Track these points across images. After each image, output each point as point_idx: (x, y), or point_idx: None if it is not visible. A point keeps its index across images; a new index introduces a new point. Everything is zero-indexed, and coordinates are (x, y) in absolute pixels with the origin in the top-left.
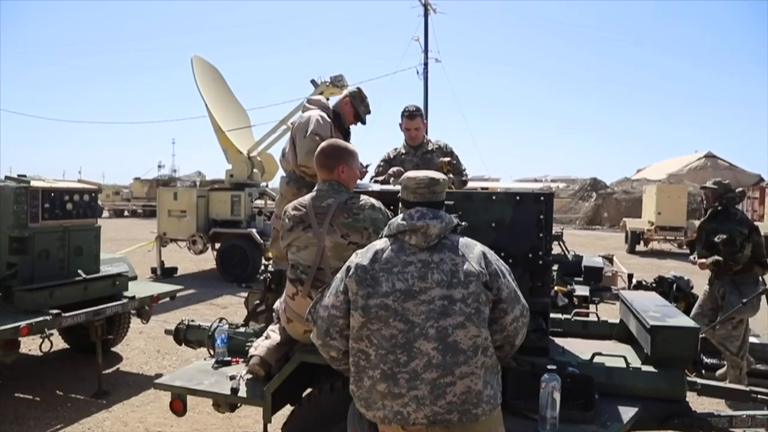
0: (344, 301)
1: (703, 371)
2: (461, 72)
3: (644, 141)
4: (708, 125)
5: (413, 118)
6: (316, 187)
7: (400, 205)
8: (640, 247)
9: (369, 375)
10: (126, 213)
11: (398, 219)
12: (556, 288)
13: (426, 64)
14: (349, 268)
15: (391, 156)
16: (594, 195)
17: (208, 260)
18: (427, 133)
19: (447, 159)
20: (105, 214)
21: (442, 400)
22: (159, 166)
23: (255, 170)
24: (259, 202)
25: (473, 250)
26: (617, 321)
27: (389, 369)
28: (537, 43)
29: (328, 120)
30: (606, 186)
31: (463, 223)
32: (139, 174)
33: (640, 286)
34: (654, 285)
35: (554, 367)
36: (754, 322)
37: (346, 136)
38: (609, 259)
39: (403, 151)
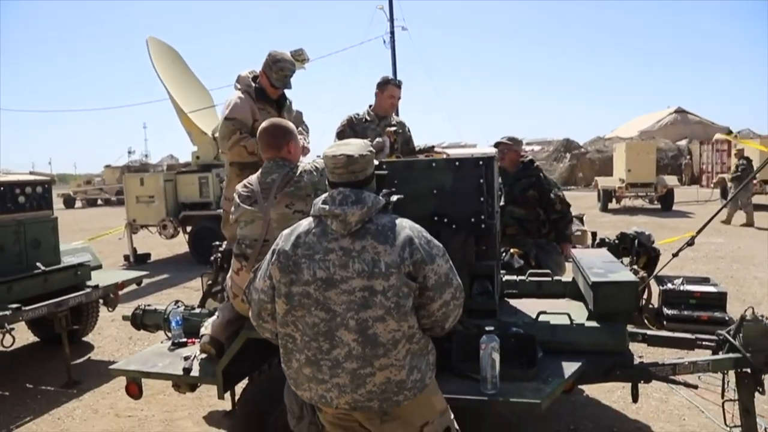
0: (270, 287)
1: (665, 322)
2: (429, 39)
3: (618, 99)
4: (680, 80)
5: (400, 87)
6: (263, 166)
7: (326, 183)
8: (613, 205)
9: (296, 358)
10: (99, 202)
11: (321, 200)
12: (512, 250)
13: (392, 33)
14: (273, 252)
15: (354, 121)
16: (568, 156)
17: (181, 244)
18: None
19: (393, 128)
20: (77, 204)
21: (362, 389)
22: (129, 152)
23: (221, 150)
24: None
25: (399, 237)
26: (570, 280)
27: (313, 355)
28: (504, 3)
29: (248, 100)
30: (579, 146)
31: (394, 198)
32: (110, 161)
33: (603, 243)
34: (616, 242)
35: (491, 328)
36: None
37: (280, 108)
38: (580, 219)
39: (368, 118)
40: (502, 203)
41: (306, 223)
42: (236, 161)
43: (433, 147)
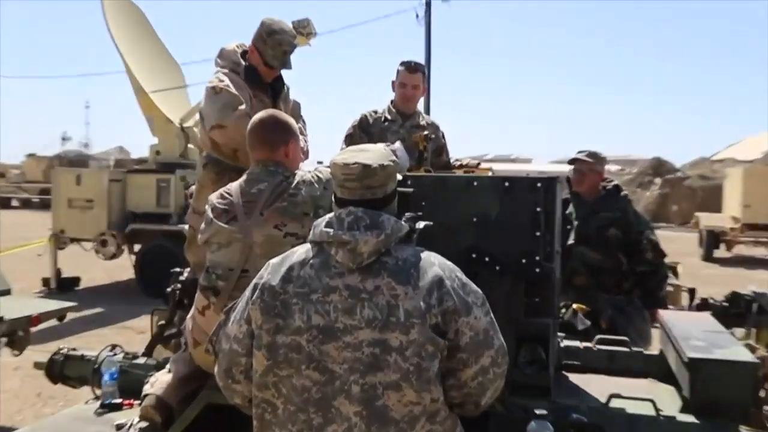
0: (247, 334)
1: None
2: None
3: (733, 110)
4: None
5: (414, 72)
6: (248, 170)
7: (333, 200)
8: (721, 253)
9: None
10: (15, 203)
11: (324, 221)
12: (576, 306)
13: (428, 4)
14: (255, 287)
15: (370, 121)
16: (658, 181)
17: (124, 268)
18: (428, 98)
19: (425, 133)
20: None
21: None
22: (63, 138)
23: (190, 146)
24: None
25: (425, 275)
26: (656, 353)
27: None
28: None
29: (237, 82)
30: (675, 169)
31: (421, 225)
32: (36, 149)
33: (705, 306)
34: (726, 304)
35: (543, 412)
36: None
37: (275, 95)
38: (672, 270)
39: (388, 116)
40: (570, 241)
41: (302, 252)
42: (214, 162)
43: (478, 164)
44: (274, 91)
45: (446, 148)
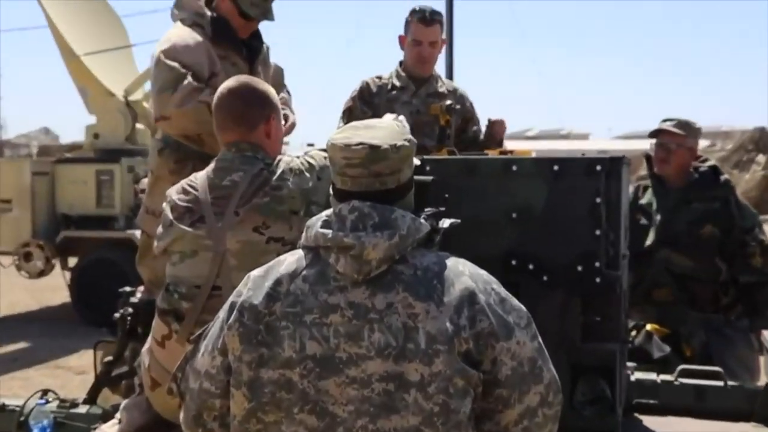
0: (222, 369)
1: None
2: None
3: None
4: None
5: (431, 24)
6: (217, 157)
7: (332, 193)
8: None
9: None
10: None
11: (320, 220)
12: (650, 327)
13: None
14: (232, 307)
15: (373, 90)
16: (762, 159)
17: (56, 289)
18: (450, 56)
19: (447, 102)
20: None
21: None
22: None
23: (139, 125)
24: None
25: (452, 288)
26: (762, 388)
27: None
28: None
29: (200, 39)
30: None
31: (446, 223)
32: None
33: None
34: None
35: None
36: None
37: (252, 56)
38: None
39: (396, 83)
40: (648, 242)
41: (292, 261)
42: (173, 147)
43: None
44: (251, 50)
45: (476, 121)
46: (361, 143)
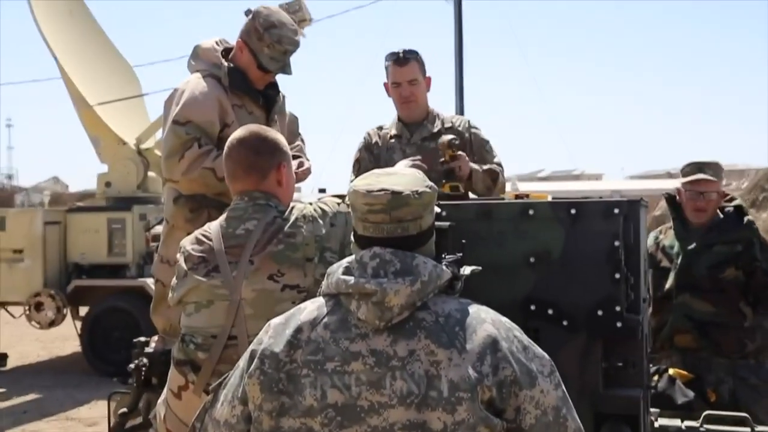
0: (243, 418)
1: None
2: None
3: None
4: None
5: (404, 63)
6: (230, 206)
7: (353, 240)
8: None
9: None
10: None
11: (342, 267)
12: (672, 371)
13: None
14: (253, 356)
15: (375, 140)
16: None
17: (68, 339)
18: (461, 95)
19: (449, 137)
20: None
21: None
22: None
23: (151, 173)
24: (161, 229)
25: (475, 336)
26: None
27: None
28: None
29: (215, 89)
30: None
31: (467, 271)
32: None
33: None
34: None
35: None
36: None
37: (268, 105)
38: None
39: (393, 131)
40: (668, 285)
41: (312, 308)
42: (188, 196)
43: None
44: (267, 100)
45: (488, 148)
46: (383, 189)
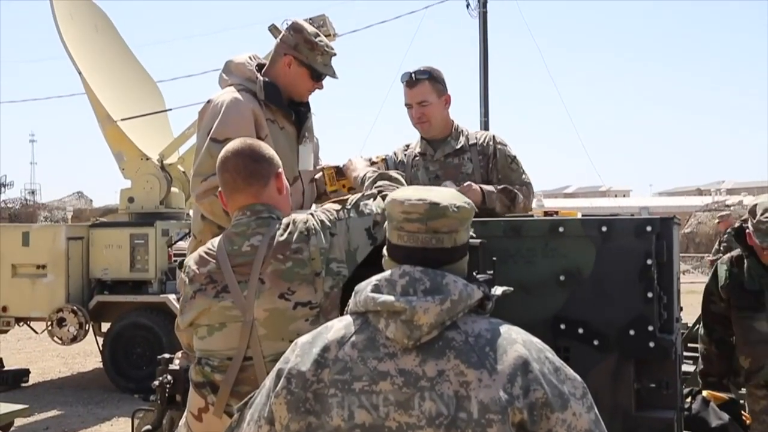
0: None
1: None
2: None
3: None
4: None
5: (414, 85)
6: (232, 222)
7: (385, 253)
8: None
9: None
10: None
11: (370, 284)
12: (705, 393)
13: None
14: (279, 375)
15: (400, 159)
16: None
17: (89, 355)
18: (486, 110)
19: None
20: None
21: None
22: (2, 185)
23: (175, 189)
24: (184, 246)
25: (505, 356)
26: None
27: None
28: None
29: (250, 103)
30: None
31: (499, 291)
32: None
33: None
34: None
35: None
36: None
37: (300, 122)
38: None
39: (419, 149)
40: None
41: (340, 327)
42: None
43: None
44: (299, 117)
45: (512, 166)
46: (421, 199)
